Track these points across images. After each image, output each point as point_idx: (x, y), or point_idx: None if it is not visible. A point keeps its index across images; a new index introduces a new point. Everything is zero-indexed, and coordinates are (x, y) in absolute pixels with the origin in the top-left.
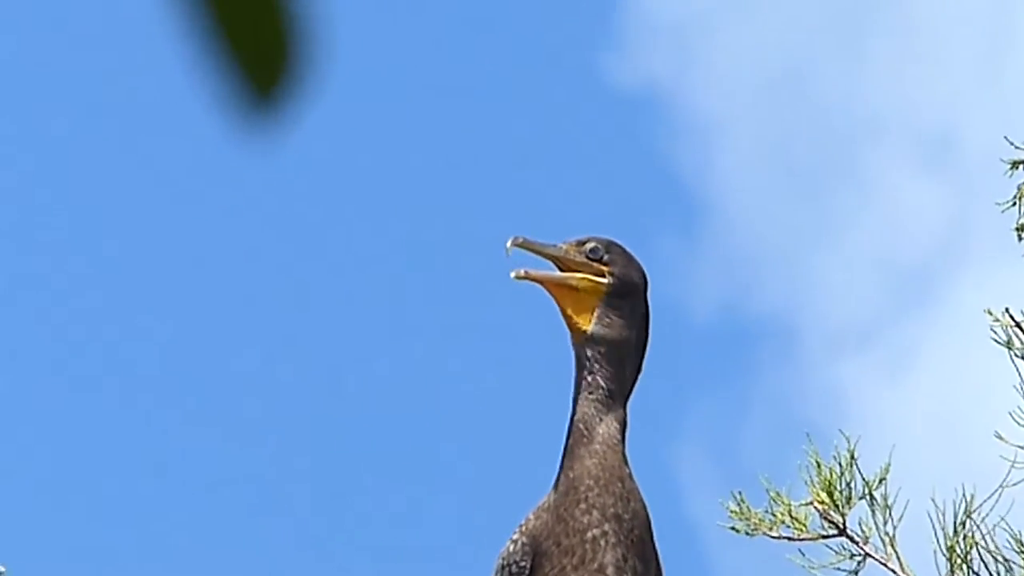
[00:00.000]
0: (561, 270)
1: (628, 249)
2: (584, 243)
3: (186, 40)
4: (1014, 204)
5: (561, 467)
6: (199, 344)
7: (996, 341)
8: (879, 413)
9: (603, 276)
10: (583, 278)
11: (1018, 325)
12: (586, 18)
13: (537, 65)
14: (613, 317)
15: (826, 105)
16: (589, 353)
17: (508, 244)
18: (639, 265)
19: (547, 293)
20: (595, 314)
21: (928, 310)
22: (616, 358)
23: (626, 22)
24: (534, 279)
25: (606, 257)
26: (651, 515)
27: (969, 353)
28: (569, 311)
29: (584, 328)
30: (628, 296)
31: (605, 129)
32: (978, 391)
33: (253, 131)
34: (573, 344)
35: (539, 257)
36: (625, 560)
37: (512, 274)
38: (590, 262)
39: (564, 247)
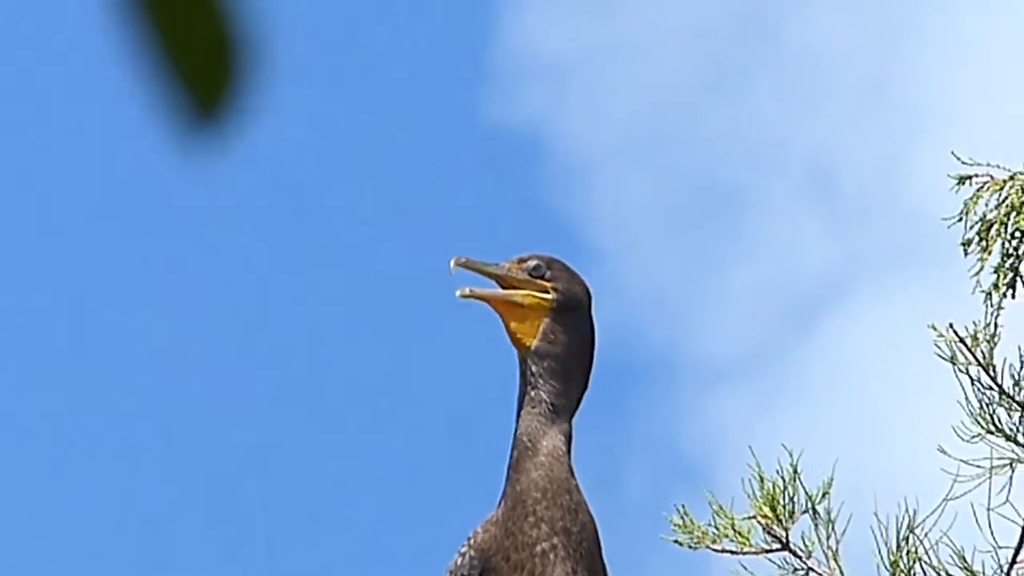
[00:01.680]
0: (503, 288)
1: (570, 265)
2: (525, 261)
3: (129, 55)
4: (960, 220)
5: (508, 480)
6: (136, 363)
7: (940, 356)
8: (773, 442)
9: (547, 292)
10: (527, 294)
11: (962, 340)
12: (461, 58)
13: (412, 105)
14: (558, 332)
15: (706, 142)
16: (533, 368)
17: (452, 264)
18: (582, 280)
19: (492, 311)
20: (540, 329)
21: (823, 336)
22: (560, 372)
23: (501, 62)
24: (480, 297)
25: (548, 274)
26: (599, 527)
27: (896, 369)
28: (513, 326)
29: (528, 343)
30: (573, 311)
31: (482, 169)
32: (915, 407)
33: (195, 146)
34: (518, 359)
35: (482, 276)
36: (574, 573)
37: (458, 293)
38: (533, 279)
39: (506, 265)
